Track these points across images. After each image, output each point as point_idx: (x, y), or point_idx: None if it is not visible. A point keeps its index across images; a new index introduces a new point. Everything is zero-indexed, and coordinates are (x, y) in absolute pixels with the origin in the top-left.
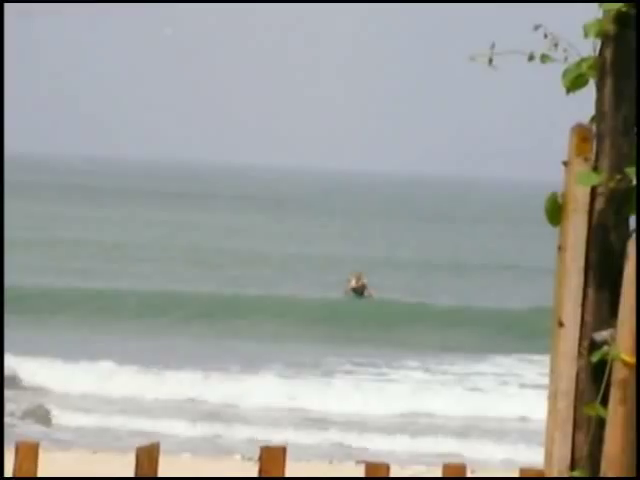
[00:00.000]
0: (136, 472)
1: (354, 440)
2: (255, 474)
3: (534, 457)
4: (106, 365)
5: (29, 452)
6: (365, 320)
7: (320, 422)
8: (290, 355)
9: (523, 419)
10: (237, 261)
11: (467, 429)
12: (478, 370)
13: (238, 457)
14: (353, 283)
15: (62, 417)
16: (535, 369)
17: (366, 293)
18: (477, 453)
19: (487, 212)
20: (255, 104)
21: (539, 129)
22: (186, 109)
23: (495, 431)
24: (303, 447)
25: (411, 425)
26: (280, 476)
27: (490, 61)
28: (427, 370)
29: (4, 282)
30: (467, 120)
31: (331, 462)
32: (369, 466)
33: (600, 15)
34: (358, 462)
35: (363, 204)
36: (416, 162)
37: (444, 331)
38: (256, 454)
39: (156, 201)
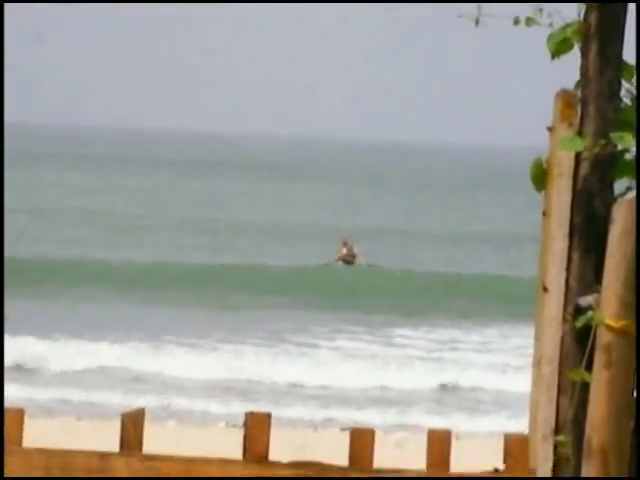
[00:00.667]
0: (121, 438)
1: (337, 412)
2: (239, 441)
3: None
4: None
5: (15, 418)
6: (354, 288)
7: (300, 392)
8: (273, 323)
9: (500, 392)
10: (223, 230)
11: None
12: (461, 338)
13: (222, 424)
14: (344, 251)
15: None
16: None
17: (356, 262)
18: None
19: (471, 179)
20: (234, 75)
21: (524, 95)
22: (172, 78)
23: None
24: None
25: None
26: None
27: (476, 22)
28: (416, 338)
29: (4, 283)
30: (452, 87)
31: (316, 429)
32: (354, 432)
33: None
34: (343, 429)
35: (350, 171)
36: (399, 129)
37: (436, 299)
38: (240, 421)
39: (141, 169)
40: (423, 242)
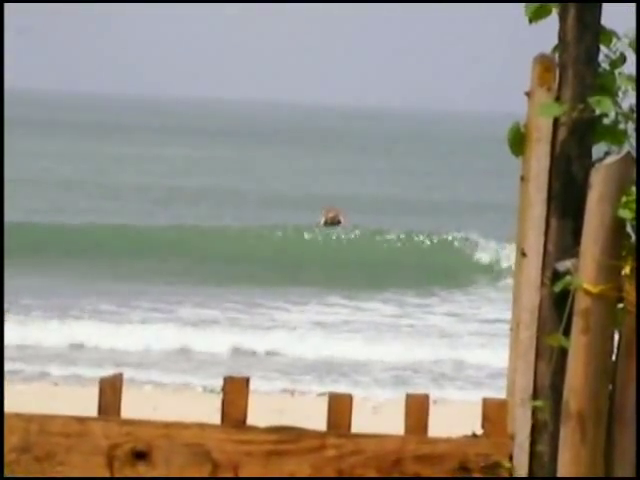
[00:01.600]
0: (99, 402)
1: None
2: (217, 405)
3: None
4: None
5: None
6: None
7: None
8: (241, 295)
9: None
10: (200, 197)
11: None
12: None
13: (200, 389)
14: (330, 216)
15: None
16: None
17: (342, 226)
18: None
19: (456, 145)
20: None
21: (502, 60)
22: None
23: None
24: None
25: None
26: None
27: None
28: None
29: (4, 283)
30: (431, 54)
31: (293, 394)
32: (332, 397)
33: None
34: (319, 394)
35: (334, 138)
36: (380, 95)
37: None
38: (217, 386)
39: (128, 136)
40: (408, 209)
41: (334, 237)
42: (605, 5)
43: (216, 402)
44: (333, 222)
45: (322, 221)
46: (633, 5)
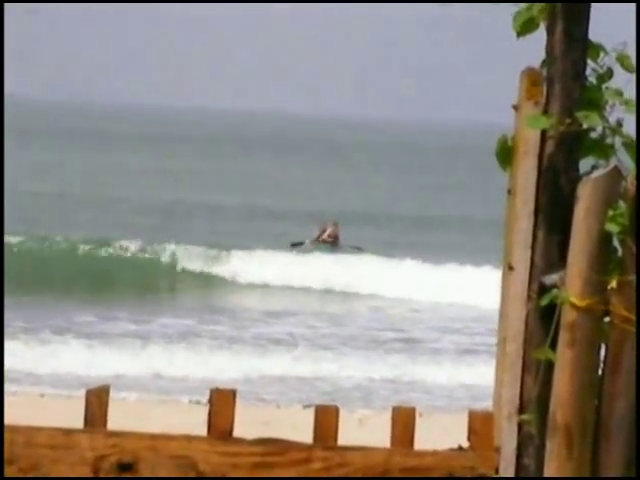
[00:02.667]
0: (86, 414)
1: None
2: (202, 417)
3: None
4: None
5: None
6: None
7: None
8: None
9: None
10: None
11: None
12: None
13: (185, 400)
14: (327, 232)
15: None
16: None
17: (340, 245)
18: None
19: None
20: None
21: (489, 72)
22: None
23: None
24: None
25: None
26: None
27: None
28: None
29: (4, 285)
30: (420, 64)
31: (279, 406)
32: (319, 409)
33: None
34: (305, 406)
35: (329, 150)
36: (367, 106)
37: None
38: (203, 398)
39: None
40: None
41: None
42: (593, 17)
43: (202, 414)
44: (329, 240)
45: (316, 237)
46: (617, 18)
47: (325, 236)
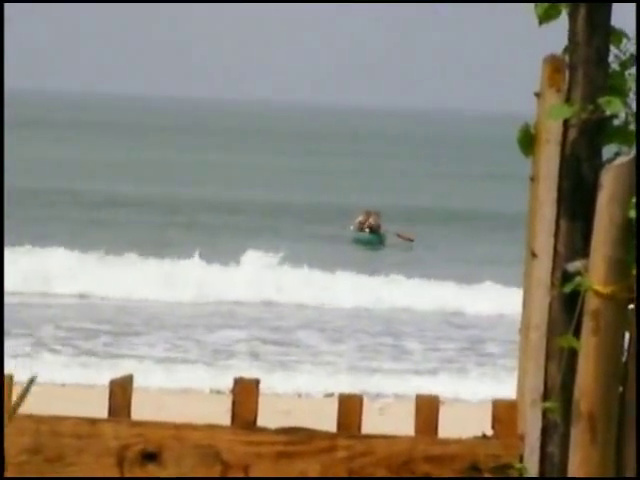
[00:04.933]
0: (110, 404)
1: None
2: (224, 407)
3: None
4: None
5: (5, 385)
6: None
7: None
8: None
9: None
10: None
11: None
12: None
13: (207, 391)
14: (369, 220)
15: None
16: None
17: (382, 231)
18: None
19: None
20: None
21: (511, 61)
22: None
23: None
24: None
25: None
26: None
27: None
28: None
29: (4, 285)
30: (443, 53)
31: (300, 396)
32: (342, 398)
33: None
34: (326, 395)
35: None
36: (392, 95)
37: None
38: (223, 387)
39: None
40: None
41: None
42: (616, 4)
43: (225, 403)
44: (371, 228)
45: (357, 225)
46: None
47: (366, 224)
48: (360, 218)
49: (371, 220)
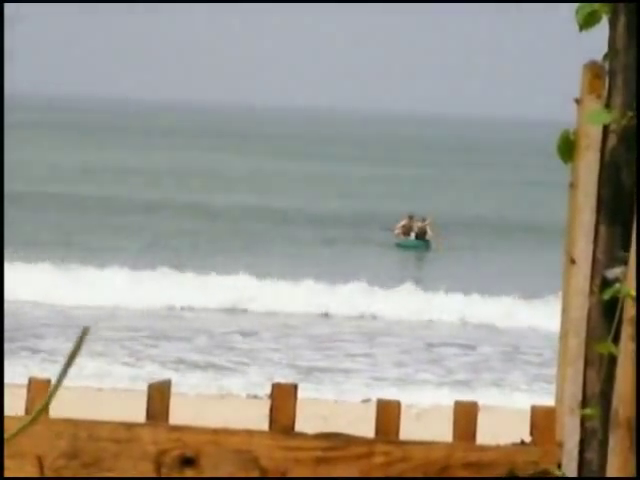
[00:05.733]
0: (148, 408)
1: None
2: (261, 411)
3: None
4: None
5: (41, 388)
6: None
7: None
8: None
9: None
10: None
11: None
12: None
13: (244, 395)
14: (416, 224)
15: None
16: None
17: (428, 238)
18: None
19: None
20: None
21: (554, 67)
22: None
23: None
24: None
25: None
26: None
27: None
28: None
29: (4, 281)
30: (482, 60)
31: (336, 401)
32: (380, 403)
33: None
34: (363, 400)
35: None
36: (424, 100)
37: None
38: (259, 392)
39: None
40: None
41: None
42: None
43: (262, 408)
44: (416, 230)
45: (399, 228)
46: None
47: (413, 228)
48: (403, 222)
49: (418, 224)
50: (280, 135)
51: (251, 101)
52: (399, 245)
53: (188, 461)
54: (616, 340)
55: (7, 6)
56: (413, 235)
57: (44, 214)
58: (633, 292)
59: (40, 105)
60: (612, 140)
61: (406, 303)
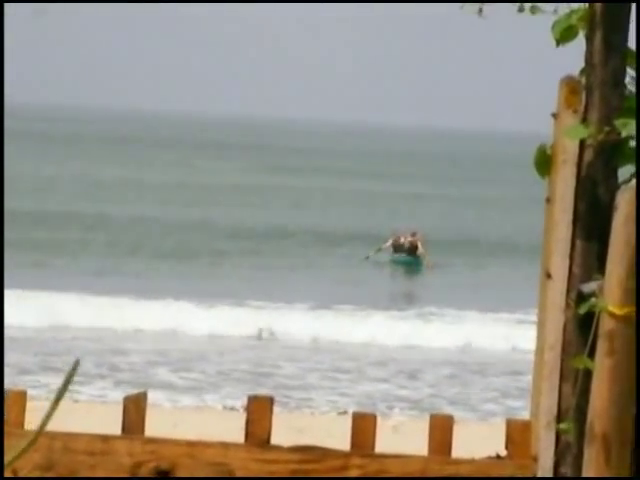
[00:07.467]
0: (123, 421)
1: None
2: (237, 424)
3: None
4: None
5: (17, 400)
6: None
7: None
8: None
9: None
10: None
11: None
12: None
13: (220, 407)
14: (406, 239)
15: None
16: None
17: (419, 254)
18: None
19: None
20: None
21: (528, 81)
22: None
23: None
24: None
25: None
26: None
27: (480, 11)
28: None
29: (4, 283)
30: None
31: (313, 413)
32: (356, 416)
33: None
34: (339, 413)
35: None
36: (401, 114)
37: None
38: (236, 404)
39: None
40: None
41: None
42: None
43: (238, 421)
44: (406, 245)
45: (388, 245)
46: None
47: (401, 242)
48: (392, 240)
49: (408, 240)
50: (260, 147)
51: (222, 112)
52: (392, 261)
53: (163, 473)
54: (592, 354)
55: None
56: (403, 252)
57: None
58: (609, 307)
59: None
60: (589, 155)
61: (398, 328)
